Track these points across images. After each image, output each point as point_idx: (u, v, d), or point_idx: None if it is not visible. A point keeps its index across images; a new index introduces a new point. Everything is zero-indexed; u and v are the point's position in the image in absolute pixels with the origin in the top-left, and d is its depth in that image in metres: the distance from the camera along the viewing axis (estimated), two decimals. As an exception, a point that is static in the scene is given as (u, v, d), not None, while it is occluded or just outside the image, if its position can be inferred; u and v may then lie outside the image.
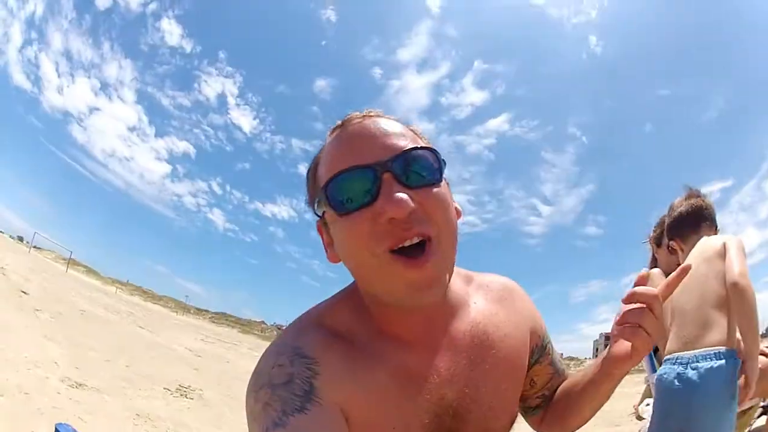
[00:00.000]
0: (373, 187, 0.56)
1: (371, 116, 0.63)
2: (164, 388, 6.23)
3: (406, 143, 0.60)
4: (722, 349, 1.50)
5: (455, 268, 0.74)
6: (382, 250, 0.56)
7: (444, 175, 0.63)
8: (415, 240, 0.56)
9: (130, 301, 28.67)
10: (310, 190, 0.67)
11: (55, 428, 3.53)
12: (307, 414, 0.54)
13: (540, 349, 0.81)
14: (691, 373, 1.49)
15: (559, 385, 0.85)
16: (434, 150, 0.61)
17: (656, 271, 2.07)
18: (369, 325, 0.66)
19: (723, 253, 1.60)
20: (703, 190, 1.89)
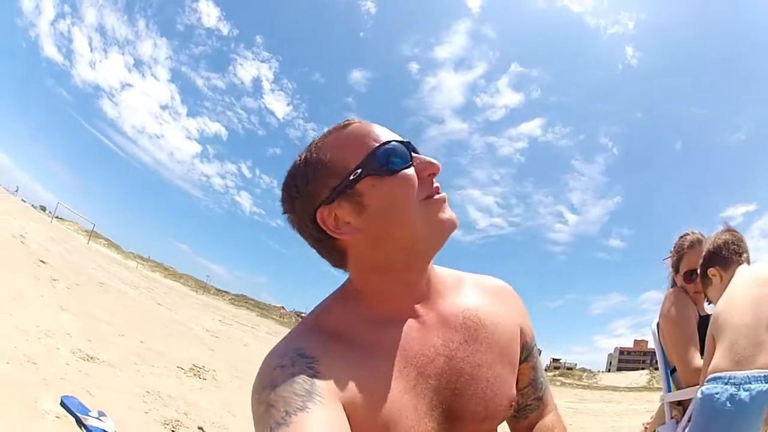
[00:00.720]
0: (408, 155, 0.70)
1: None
2: (177, 367, 6.09)
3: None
4: None
5: (448, 269, 0.81)
6: (421, 199, 0.67)
7: None
8: (442, 193, 0.70)
9: (150, 276, 29.21)
10: (321, 179, 0.68)
11: (61, 400, 3.31)
12: (309, 412, 0.53)
13: (528, 349, 0.83)
14: (743, 395, 1.46)
15: (535, 400, 0.85)
16: None
17: (674, 290, 2.08)
18: (362, 315, 0.69)
19: None
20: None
